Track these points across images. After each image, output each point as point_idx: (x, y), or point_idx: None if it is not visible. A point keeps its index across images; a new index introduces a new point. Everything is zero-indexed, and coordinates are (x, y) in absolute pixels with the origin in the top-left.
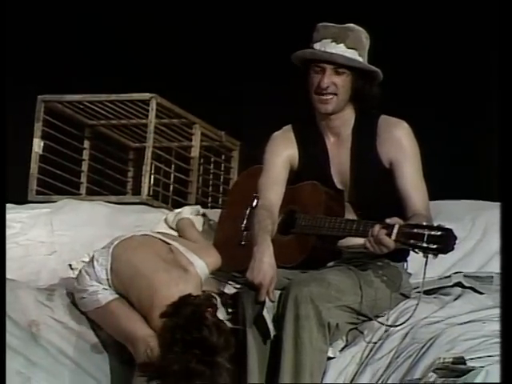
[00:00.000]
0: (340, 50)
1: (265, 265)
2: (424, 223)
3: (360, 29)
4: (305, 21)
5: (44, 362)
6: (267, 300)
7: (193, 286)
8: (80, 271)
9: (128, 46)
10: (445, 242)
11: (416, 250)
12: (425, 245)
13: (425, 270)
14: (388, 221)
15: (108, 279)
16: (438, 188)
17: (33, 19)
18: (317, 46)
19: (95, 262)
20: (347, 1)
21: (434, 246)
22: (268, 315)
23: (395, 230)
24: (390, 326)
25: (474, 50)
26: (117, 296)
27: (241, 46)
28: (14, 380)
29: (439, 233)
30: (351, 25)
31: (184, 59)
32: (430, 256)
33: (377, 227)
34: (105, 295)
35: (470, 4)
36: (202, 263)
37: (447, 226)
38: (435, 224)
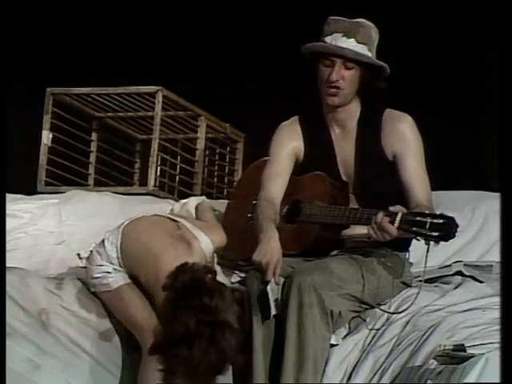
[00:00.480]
0: (350, 44)
1: (271, 247)
2: (426, 211)
3: (370, 24)
4: (310, 15)
5: (54, 349)
6: (272, 281)
7: (197, 260)
8: (91, 251)
9: (135, 39)
10: (446, 229)
11: (418, 238)
12: (427, 232)
13: (426, 257)
14: (391, 209)
15: (118, 258)
16: (440, 180)
17: (41, 13)
18: (328, 39)
19: (106, 241)
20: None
21: (436, 234)
22: (271, 293)
23: (398, 218)
24: (392, 312)
25: (474, 50)
26: (128, 281)
27: (246, 39)
28: (24, 367)
29: (441, 221)
30: (362, 20)
31: (190, 53)
32: (431, 244)
33: (380, 214)
34: (116, 279)
35: (470, 4)
36: (206, 239)
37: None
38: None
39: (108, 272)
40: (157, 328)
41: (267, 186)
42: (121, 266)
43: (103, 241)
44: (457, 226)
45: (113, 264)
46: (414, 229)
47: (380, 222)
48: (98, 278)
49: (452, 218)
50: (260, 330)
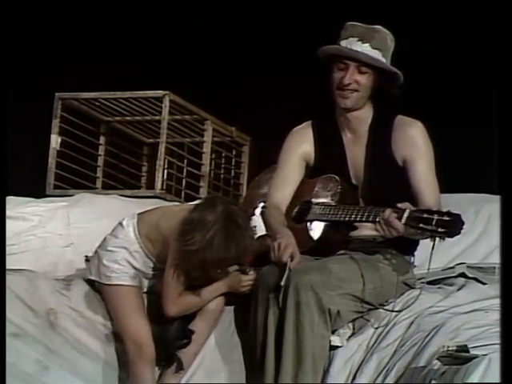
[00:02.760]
0: (365, 49)
1: (289, 237)
2: (434, 209)
3: (386, 31)
4: (318, 20)
5: (61, 349)
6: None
7: None
8: (105, 238)
9: (142, 45)
10: (452, 226)
11: (424, 234)
12: (433, 228)
13: (431, 254)
14: (399, 205)
15: (135, 231)
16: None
17: (50, 19)
18: (343, 43)
19: (123, 222)
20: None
21: (442, 230)
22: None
23: (406, 215)
24: (394, 311)
25: (476, 56)
26: (132, 284)
27: (252, 44)
28: (33, 368)
29: (447, 218)
30: (378, 26)
31: (196, 57)
32: (436, 243)
33: (388, 211)
34: (119, 276)
35: (471, 7)
36: None
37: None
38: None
39: (117, 262)
40: (143, 353)
41: (274, 193)
42: (137, 239)
43: (120, 223)
44: (463, 223)
45: (129, 242)
46: (421, 225)
47: (387, 217)
48: (105, 266)
49: (458, 215)
50: (274, 327)
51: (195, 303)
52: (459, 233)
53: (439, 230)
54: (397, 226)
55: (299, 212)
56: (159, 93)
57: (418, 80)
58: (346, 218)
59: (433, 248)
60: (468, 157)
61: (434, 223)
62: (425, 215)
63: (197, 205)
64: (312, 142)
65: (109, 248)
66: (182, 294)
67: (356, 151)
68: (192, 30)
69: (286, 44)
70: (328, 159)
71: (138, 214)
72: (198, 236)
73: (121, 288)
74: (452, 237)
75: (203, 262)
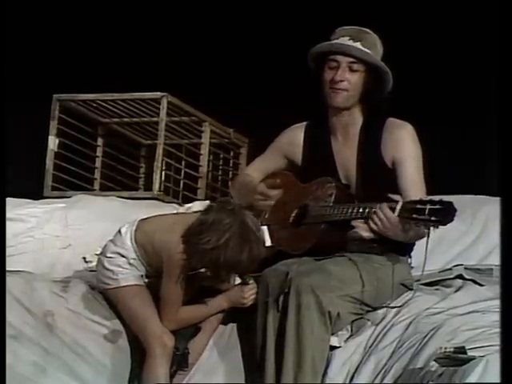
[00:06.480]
0: (357, 46)
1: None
2: (425, 199)
3: (376, 36)
4: (315, 21)
5: (59, 351)
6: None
7: None
8: (106, 244)
9: (140, 46)
10: (445, 214)
11: (418, 224)
12: (426, 217)
13: (427, 243)
14: (392, 196)
15: (131, 239)
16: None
17: (48, 20)
18: (334, 41)
19: (122, 229)
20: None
21: (435, 219)
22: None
23: (399, 206)
24: (397, 307)
25: (473, 54)
26: (139, 283)
27: (250, 45)
28: (30, 370)
29: (439, 206)
30: (368, 30)
31: (194, 59)
32: (431, 238)
33: (383, 204)
34: (126, 277)
35: (469, 6)
36: None
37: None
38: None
39: (120, 266)
40: (165, 344)
41: (250, 170)
42: (135, 251)
43: (119, 230)
44: (455, 210)
45: (125, 251)
46: (414, 216)
47: (381, 208)
48: (108, 269)
49: (450, 203)
50: (273, 329)
51: (194, 319)
52: (452, 220)
53: (432, 218)
54: (390, 216)
55: (297, 216)
56: (157, 94)
57: (415, 81)
58: (342, 217)
59: (428, 237)
60: (465, 158)
61: (426, 213)
62: (418, 205)
63: (209, 207)
64: (301, 143)
65: (108, 255)
66: (181, 309)
67: (346, 153)
68: (190, 32)
69: (284, 45)
70: (315, 161)
71: (140, 220)
72: (214, 236)
73: (130, 288)
74: (445, 224)
75: (216, 261)
